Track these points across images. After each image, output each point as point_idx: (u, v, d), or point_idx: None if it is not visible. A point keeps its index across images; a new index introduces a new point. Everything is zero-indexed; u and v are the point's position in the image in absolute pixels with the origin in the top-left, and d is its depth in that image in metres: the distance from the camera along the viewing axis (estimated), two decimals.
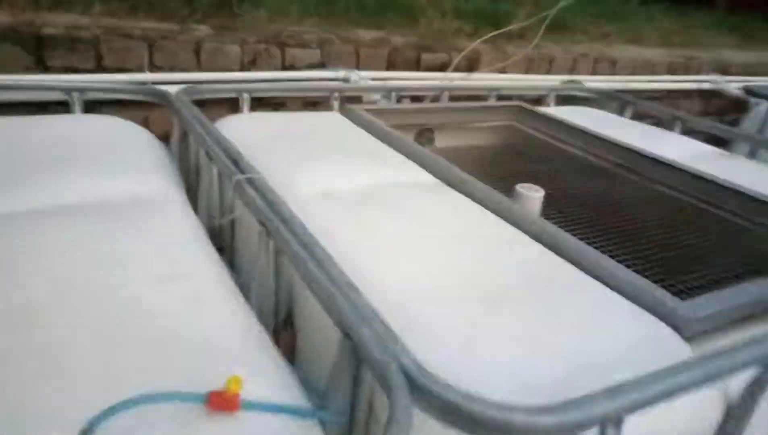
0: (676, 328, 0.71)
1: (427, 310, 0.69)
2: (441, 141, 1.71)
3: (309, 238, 0.68)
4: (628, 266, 0.96)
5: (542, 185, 1.20)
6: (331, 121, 1.44)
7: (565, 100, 2.22)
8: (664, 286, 0.89)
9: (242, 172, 0.89)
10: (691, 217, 1.18)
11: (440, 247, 0.83)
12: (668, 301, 0.73)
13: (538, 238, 0.90)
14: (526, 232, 0.92)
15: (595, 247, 1.01)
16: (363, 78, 2.09)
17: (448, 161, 1.33)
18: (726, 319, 0.75)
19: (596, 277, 0.80)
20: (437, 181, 1.12)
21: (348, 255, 0.80)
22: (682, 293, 0.86)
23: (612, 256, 0.98)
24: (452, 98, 1.88)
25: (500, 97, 1.99)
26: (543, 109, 1.73)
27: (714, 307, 0.73)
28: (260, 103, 2.03)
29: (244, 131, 1.25)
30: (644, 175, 1.33)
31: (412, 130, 1.67)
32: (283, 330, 0.84)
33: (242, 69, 1.93)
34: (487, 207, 1.00)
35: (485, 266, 0.79)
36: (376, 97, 1.95)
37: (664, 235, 1.11)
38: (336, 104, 1.61)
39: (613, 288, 0.78)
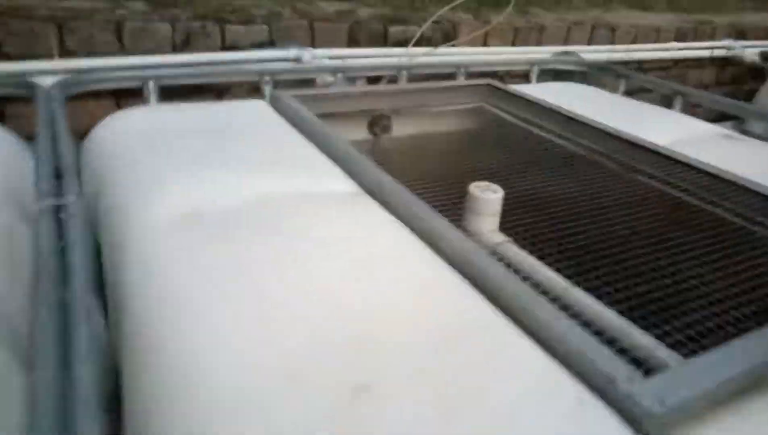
0: (631, 421, 0.47)
1: (262, 408, 0.45)
2: (399, 128, 1.46)
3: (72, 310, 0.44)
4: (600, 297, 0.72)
5: (508, 181, 0.96)
6: (251, 112, 1.19)
7: (558, 75, 1.95)
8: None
9: (62, 193, 0.66)
10: (686, 223, 0.92)
11: (313, 294, 0.59)
12: (621, 377, 0.49)
13: (463, 268, 0.65)
14: (450, 260, 0.67)
15: (556, 269, 0.78)
16: (318, 57, 1.83)
17: (403, 155, 1.10)
18: (710, 401, 0.50)
19: (530, 332, 0.56)
20: (357, 189, 0.88)
21: (172, 312, 0.57)
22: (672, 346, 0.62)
23: (577, 280, 0.74)
24: (417, 78, 1.62)
25: (478, 75, 1.73)
26: (516, 88, 1.46)
27: (692, 388, 0.49)
28: (199, 92, 1.79)
29: (128, 131, 1.01)
30: (629, 165, 1.07)
31: (363, 118, 1.42)
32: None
33: (174, 50, 1.69)
34: (409, 225, 0.76)
35: (367, 325, 0.55)
36: (331, 79, 1.69)
37: (648, 249, 0.85)
38: (268, 89, 1.37)
39: (548, 350, 0.53)
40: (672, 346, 0.62)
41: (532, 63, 1.67)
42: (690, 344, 0.66)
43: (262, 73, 1.32)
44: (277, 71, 1.35)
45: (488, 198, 0.96)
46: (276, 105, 1.23)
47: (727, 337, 0.61)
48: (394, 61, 1.65)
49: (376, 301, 0.58)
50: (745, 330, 0.64)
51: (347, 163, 0.94)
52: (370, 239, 0.70)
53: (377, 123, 1.51)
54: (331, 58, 1.85)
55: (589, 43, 2.69)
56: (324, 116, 1.31)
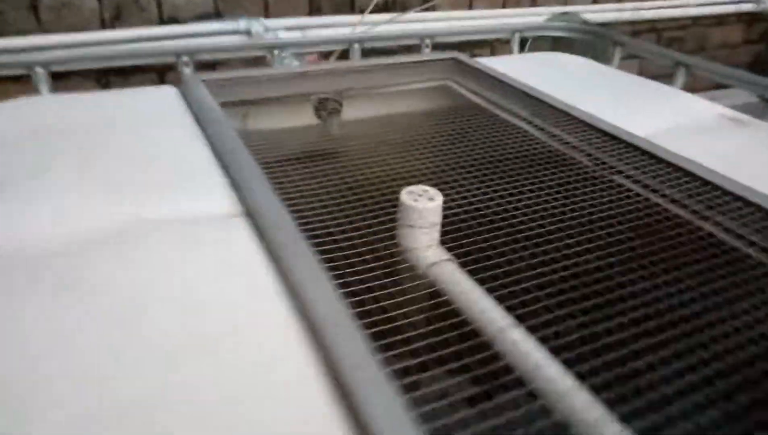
0: None
1: None
2: (350, 112, 1.25)
3: None
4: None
5: (458, 184, 0.80)
6: (151, 102, 0.99)
7: (558, 42, 1.70)
8: None
9: None
10: (672, 247, 0.70)
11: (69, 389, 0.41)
12: None
13: (319, 340, 0.46)
14: (308, 327, 0.48)
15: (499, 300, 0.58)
16: (271, 29, 1.61)
17: (344, 146, 0.90)
18: None
19: None
20: (237, 209, 0.68)
21: None
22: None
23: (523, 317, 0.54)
24: (379, 52, 1.40)
25: (460, 46, 1.50)
26: (488, 62, 1.23)
27: None
28: (140, 72, 1.59)
29: None
30: (608, 165, 0.84)
31: (302, 102, 1.20)
32: None
33: (103, 27, 1.49)
34: (277, 265, 0.56)
35: None
36: (284, 55, 1.48)
37: (615, 282, 0.64)
38: (188, 71, 1.17)
39: None
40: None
41: (514, 29, 1.42)
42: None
43: (178, 53, 1.12)
44: (196, 50, 1.14)
45: (422, 207, 0.76)
46: (186, 92, 1.03)
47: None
48: (343, 32, 1.42)
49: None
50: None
51: (235, 172, 0.74)
52: (207, 300, 0.51)
53: (324, 105, 1.30)
54: (287, 29, 1.63)
55: (595, 1, 2.40)
56: (252, 103, 1.12)
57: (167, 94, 1.04)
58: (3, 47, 1.20)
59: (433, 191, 0.78)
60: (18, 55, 1.02)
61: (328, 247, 0.70)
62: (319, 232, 0.73)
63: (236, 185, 0.72)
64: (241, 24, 1.56)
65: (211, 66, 1.67)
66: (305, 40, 1.36)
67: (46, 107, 0.92)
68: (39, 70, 1.02)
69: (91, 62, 1.08)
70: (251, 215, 0.66)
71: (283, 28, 1.61)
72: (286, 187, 0.79)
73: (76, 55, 1.07)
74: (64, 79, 1.48)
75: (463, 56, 1.24)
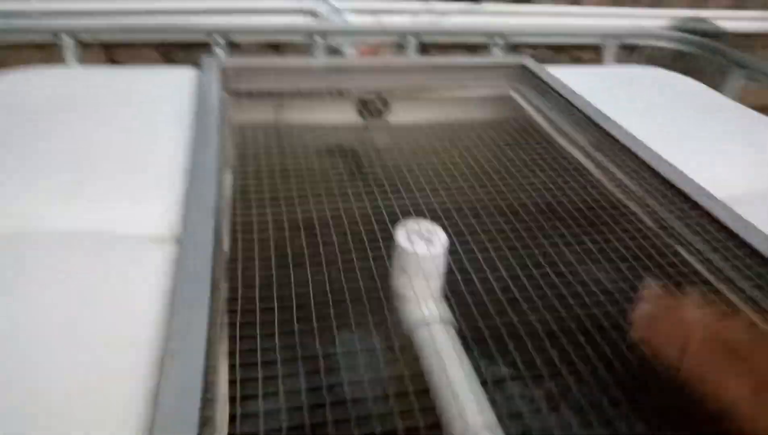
0: None
1: None
2: (397, 115, 1.10)
3: None
4: None
5: (484, 227, 0.67)
6: (163, 85, 0.90)
7: (682, 56, 1.44)
8: None
9: None
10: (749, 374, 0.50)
11: None
12: None
13: None
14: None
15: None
16: (339, 11, 1.49)
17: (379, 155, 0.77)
18: None
19: None
20: (172, 230, 0.57)
21: None
22: None
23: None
24: (440, 47, 1.23)
25: (550, 48, 1.29)
26: (559, 73, 1.02)
27: None
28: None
29: None
30: (669, 230, 0.64)
31: (333, 99, 1.07)
32: None
33: None
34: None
35: None
36: (340, 42, 1.35)
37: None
38: (221, 52, 1.07)
39: None
40: None
41: (605, 34, 1.18)
42: None
43: (209, 31, 1.02)
44: (228, 29, 1.04)
45: (418, 254, 0.62)
46: (205, 75, 0.93)
47: None
48: (402, 21, 1.25)
49: None
50: None
51: (195, 184, 0.63)
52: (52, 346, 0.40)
53: (368, 104, 1.16)
54: (357, 11, 1.49)
55: (735, 6, 2.03)
56: (272, 95, 1.00)
57: (184, 76, 0.94)
58: (30, 11, 1.17)
59: (437, 232, 0.62)
60: (44, 22, 0.97)
61: (283, 292, 0.57)
62: (282, 271, 0.61)
63: (190, 199, 0.61)
64: (306, 3, 1.45)
65: (274, 47, 1.57)
66: (349, 29, 1.22)
67: (42, 81, 0.86)
68: (65, 37, 0.97)
69: (123, 34, 1.01)
70: (181, 241, 0.54)
71: (351, 10, 1.48)
72: (276, 208, 0.67)
73: (100, 26, 1.00)
74: (124, 48, 1.45)
75: (532, 63, 1.05)
